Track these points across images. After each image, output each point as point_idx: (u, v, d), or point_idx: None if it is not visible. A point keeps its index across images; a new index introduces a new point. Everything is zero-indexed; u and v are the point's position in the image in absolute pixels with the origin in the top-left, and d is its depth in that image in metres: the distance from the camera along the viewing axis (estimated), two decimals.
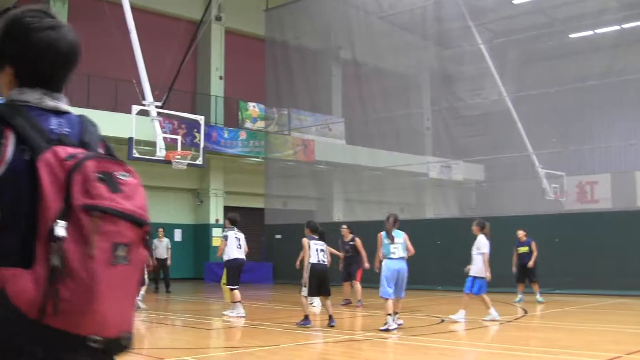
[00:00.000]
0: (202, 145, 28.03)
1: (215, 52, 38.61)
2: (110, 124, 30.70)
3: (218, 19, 37.50)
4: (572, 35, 33.81)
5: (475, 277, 16.50)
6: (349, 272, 21.20)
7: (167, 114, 28.52)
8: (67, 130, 2.62)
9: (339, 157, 36.69)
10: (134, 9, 27.03)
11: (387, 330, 14.41)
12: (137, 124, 25.61)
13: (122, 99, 31.05)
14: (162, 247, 28.00)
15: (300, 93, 36.16)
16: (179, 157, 26.60)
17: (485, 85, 32.77)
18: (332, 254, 20.19)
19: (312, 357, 12.43)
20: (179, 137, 27.87)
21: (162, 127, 27.11)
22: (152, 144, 26.19)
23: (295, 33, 35.95)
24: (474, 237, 16.78)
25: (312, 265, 15.44)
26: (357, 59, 35.35)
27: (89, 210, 2.31)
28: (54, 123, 2.58)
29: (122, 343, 2.54)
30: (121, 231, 2.39)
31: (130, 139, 25.23)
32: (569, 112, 31.05)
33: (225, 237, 18.22)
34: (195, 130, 29.80)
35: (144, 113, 26.37)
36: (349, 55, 36.36)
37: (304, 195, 36.32)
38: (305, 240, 15.61)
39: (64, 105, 2.72)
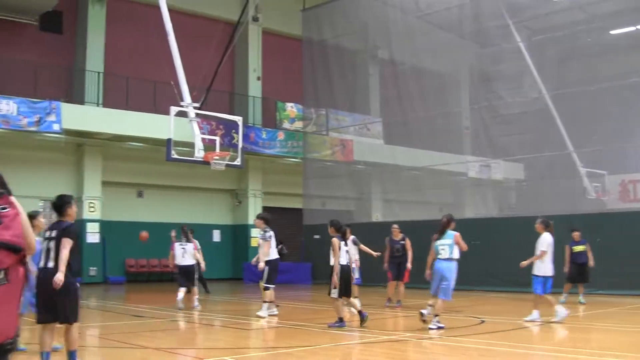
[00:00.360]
0: (240, 145, 28.00)
1: (252, 53, 38.72)
2: (148, 125, 30.99)
3: (255, 19, 37.57)
4: (612, 32, 33.44)
5: (544, 277, 16.24)
6: (398, 271, 20.95)
7: (205, 115, 28.60)
8: None
9: (377, 157, 36.57)
10: (171, 11, 27.11)
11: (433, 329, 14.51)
12: (176, 125, 25.64)
13: (160, 100, 31.19)
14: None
15: (338, 93, 36.09)
16: (217, 157, 26.60)
17: (524, 83, 32.52)
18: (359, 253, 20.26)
19: (352, 358, 12.36)
20: (217, 138, 27.92)
21: (200, 128, 27.15)
22: (191, 145, 26.21)
23: (332, 33, 35.88)
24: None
25: (342, 266, 15.36)
26: (394, 59, 35.22)
27: None
28: None
29: (7, 347, 3.01)
30: (1, 259, 2.94)
31: (169, 140, 25.26)
32: (610, 110, 30.64)
33: (270, 237, 18.13)
34: (234, 131, 29.84)
35: (182, 114, 26.40)
36: (387, 55, 36.24)
37: (343, 196, 36.24)
38: (336, 241, 15.44)
39: None
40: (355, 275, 20.81)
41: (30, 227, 3.70)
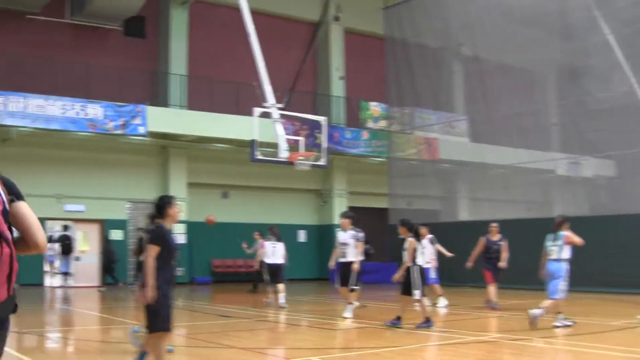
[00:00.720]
0: (324, 145, 27.91)
1: (334, 52, 38.68)
2: (232, 126, 31.16)
3: (336, 19, 37.48)
4: None
5: None
6: (496, 272, 20.43)
7: (289, 115, 28.56)
8: None
9: (463, 155, 36.14)
10: (253, 12, 27.13)
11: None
12: (260, 126, 25.68)
13: (243, 102, 31.29)
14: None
15: (421, 91, 35.76)
16: (301, 158, 26.55)
17: (614, 77, 31.74)
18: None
19: (440, 359, 12.13)
20: (301, 138, 27.86)
21: (284, 129, 27.11)
22: (275, 146, 26.22)
23: (414, 30, 35.54)
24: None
25: (420, 267, 15.23)
26: (478, 56, 34.76)
27: None
28: None
29: None
30: None
31: (253, 141, 25.29)
32: None
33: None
34: (317, 131, 29.80)
35: (266, 115, 26.43)
36: (470, 52, 35.78)
37: (428, 195, 35.91)
38: (413, 241, 15.23)
39: None
40: (432, 275, 20.65)
41: (37, 223, 4.13)
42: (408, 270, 15.16)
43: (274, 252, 21.83)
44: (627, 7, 30.74)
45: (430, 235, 21.14)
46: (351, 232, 17.75)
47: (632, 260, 24.98)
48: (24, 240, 4.12)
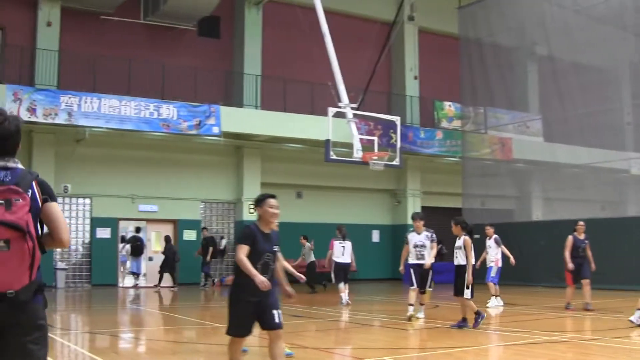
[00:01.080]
0: (398, 145, 27.93)
1: (409, 52, 38.62)
2: (307, 126, 31.29)
3: (411, 18, 37.38)
4: None
5: None
6: (579, 272, 20.01)
7: (363, 115, 28.63)
8: (8, 178, 4.60)
9: (536, 155, 35.87)
10: (326, 12, 27.24)
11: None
12: (334, 126, 25.78)
13: (318, 101, 31.42)
14: (307, 254, 29.36)
15: (496, 91, 35.57)
16: (375, 158, 26.62)
17: None
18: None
19: (512, 358, 12.08)
20: (375, 138, 27.92)
21: (358, 129, 27.19)
22: (349, 146, 26.32)
23: (488, 30, 35.38)
24: None
25: (473, 267, 15.26)
26: (553, 55, 34.44)
27: None
28: (1, 174, 4.61)
29: (7, 295, 4.40)
30: (2, 232, 4.36)
31: (327, 141, 25.41)
32: None
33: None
34: (392, 130, 29.79)
35: (340, 115, 26.52)
36: (545, 51, 35.47)
37: (502, 195, 35.68)
38: (468, 240, 15.16)
39: (10, 164, 4.69)
40: (492, 273, 20.61)
41: (64, 223, 4.83)
42: (459, 269, 15.13)
43: (343, 252, 22.33)
44: None
45: (495, 236, 21.07)
46: (426, 234, 17.53)
47: None
48: (51, 237, 4.79)
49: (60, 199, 29.65)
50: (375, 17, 36.38)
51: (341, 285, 22.27)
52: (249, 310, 8.52)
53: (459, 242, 15.27)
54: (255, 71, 33.77)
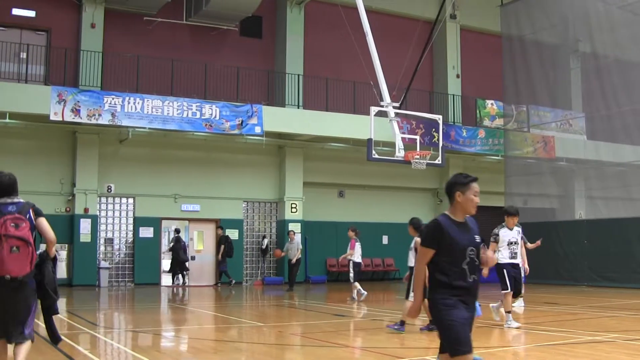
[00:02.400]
0: (441, 144, 27.85)
1: (451, 51, 38.52)
2: (349, 126, 31.38)
3: (453, 17, 37.30)
4: None
5: None
6: None
7: (405, 114, 28.63)
8: (14, 209, 8.03)
9: (580, 153, 35.62)
10: (368, 11, 27.29)
11: None
12: (376, 125, 25.77)
13: (359, 101, 31.49)
14: (292, 249, 29.81)
15: (538, 89, 35.36)
16: (418, 157, 26.55)
17: None
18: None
19: (554, 358, 12.02)
20: (417, 137, 27.85)
21: (400, 128, 27.20)
22: (391, 145, 26.36)
23: (531, 27, 35.18)
24: None
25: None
26: (596, 52, 34.19)
27: (3, 235, 7.85)
28: (9, 207, 8.03)
29: (18, 279, 7.88)
30: (13, 241, 7.83)
31: (369, 140, 25.38)
32: None
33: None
34: (434, 129, 29.79)
35: (382, 114, 26.53)
36: (588, 48, 35.22)
37: (545, 193, 35.43)
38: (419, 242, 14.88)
39: (15, 200, 8.12)
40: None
41: (49, 229, 8.31)
42: (412, 270, 14.76)
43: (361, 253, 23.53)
44: None
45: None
46: (517, 229, 15.73)
47: None
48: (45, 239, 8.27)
49: (103, 199, 30.81)
50: (417, 16, 36.23)
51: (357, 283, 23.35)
52: (462, 321, 6.76)
53: (412, 244, 15.14)
54: (297, 71, 33.84)
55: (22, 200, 8.14)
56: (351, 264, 23.46)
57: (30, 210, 8.10)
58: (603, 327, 16.38)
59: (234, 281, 31.71)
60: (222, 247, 31.51)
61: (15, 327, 8.09)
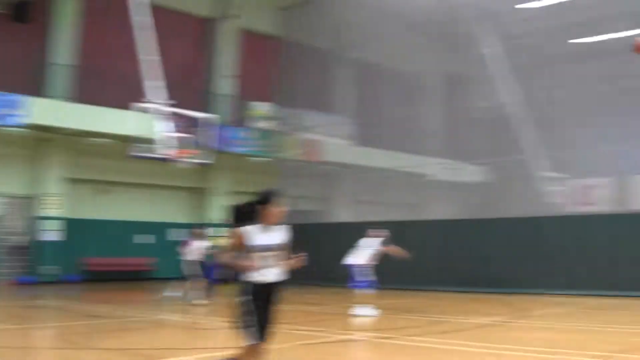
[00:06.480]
0: (209, 143, 28.00)
1: (228, 51, 38.56)
2: (117, 121, 30.72)
3: (235, 16, 37.43)
4: (581, 40, 33.43)
5: None
6: None
7: (175, 112, 28.42)
8: None
9: (347, 157, 36.52)
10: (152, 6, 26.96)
11: None
12: (144, 122, 25.56)
13: (134, 96, 30.77)
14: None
15: (310, 93, 36.11)
16: (185, 155, 26.59)
17: (495, 88, 32.46)
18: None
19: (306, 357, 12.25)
20: (186, 135, 27.68)
21: (170, 125, 26.98)
22: (159, 142, 26.14)
23: (306, 32, 35.91)
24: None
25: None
26: (367, 60, 35.26)
27: None
28: None
29: None
30: None
31: (131, 136, 25.12)
32: (576, 116, 30.64)
33: None
34: (204, 128, 29.79)
35: (152, 111, 26.38)
36: (360, 56, 36.25)
37: (311, 196, 36.12)
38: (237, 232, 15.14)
39: None
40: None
41: None
42: None
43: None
44: (509, 24, 31.63)
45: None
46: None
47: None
48: None
49: None
50: (195, 13, 36.07)
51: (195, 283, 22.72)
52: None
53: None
54: (67, 61, 32.70)
55: None
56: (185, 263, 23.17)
57: None
58: (357, 326, 16.82)
59: None
60: None
61: None
